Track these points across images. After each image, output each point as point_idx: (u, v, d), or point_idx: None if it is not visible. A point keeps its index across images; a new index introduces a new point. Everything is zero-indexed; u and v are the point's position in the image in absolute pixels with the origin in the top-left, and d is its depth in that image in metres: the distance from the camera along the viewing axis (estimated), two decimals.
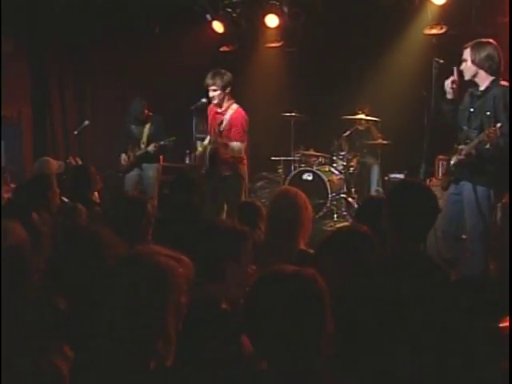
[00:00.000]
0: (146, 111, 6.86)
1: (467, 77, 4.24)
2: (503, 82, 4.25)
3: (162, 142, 6.66)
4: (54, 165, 5.67)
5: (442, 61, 4.39)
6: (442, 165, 5.53)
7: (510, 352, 1.55)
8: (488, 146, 4.00)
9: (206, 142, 5.61)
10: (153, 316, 1.65)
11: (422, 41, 6.85)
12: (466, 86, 4.45)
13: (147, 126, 6.83)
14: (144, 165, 6.85)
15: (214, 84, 5.40)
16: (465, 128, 4.33)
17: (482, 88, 4.25)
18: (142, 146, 6.80)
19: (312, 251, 2.95)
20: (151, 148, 6.69)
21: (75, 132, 7.07)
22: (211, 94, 5.46)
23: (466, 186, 4.32)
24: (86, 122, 6.97)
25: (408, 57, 6.91)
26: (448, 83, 4.29)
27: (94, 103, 8.51)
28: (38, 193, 3.74)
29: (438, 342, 1.70)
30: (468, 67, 4.23)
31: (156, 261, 1.70)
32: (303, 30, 7.59)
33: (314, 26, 7.49)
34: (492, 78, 4.22)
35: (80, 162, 6.73)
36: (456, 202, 4.40)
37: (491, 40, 4.26)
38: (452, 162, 4.38)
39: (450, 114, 4.41)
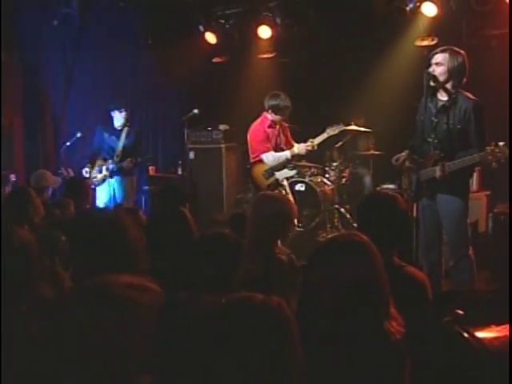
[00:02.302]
0: (124, 120, 6.71)
1: (441, 80, 4.18)
2: (469, 94, 4.22)
3: (139, 159, 6.53)
4: (51, 178, 5.61)
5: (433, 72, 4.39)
6: None
7: (510, 352, 1.54)
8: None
9: None
10: (115, 352, 1.45)
11: (414, 52, 6.88)
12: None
13: (123, 138, 6.66)
14: (117, 177, 6.68)
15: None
16: (429, 140, 4.27)
17: (448, 98, 4.21)
18: (116, 158, 6.63)
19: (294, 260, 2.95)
20: (126, 164, 6.52)
21: (67, 143, 7.06)
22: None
23: (443, 199, 4.29)
24: (79, 134, 6.96)
25: (400, 68, 6.94)
26: None
27: (86, 115, 8.50)
28: (16, 206, 3.70)
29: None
30: (443, 72, 4.16)
31: (116, 293, 1.50)
32: (296, 41, 7.63)
33: (307, 37, 7.53)
34: (457, 88, 4.21)
35: (72, 174, 6.72)
36: (433, 212, 4.34)
37: (462, 51, 4.26)
38: (422, 178, 4.18)
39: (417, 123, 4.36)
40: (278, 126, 5.93)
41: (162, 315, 1.55)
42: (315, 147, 5.92)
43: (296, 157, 6.01)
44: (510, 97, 5.73)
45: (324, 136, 5.88)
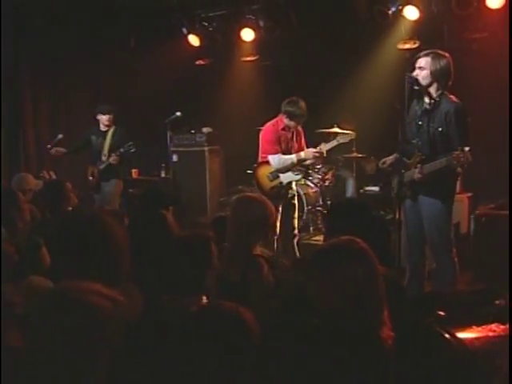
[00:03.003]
0: (108, 123, 6.74)
1: (423, 84, 4.19)
2: (453, 97, 4.24)
3: (121, 150, 6.49)
4: (33, 181, 5.53)
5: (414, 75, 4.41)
6: None
7: (510, 352, 1.55)
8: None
9: None
10: (81, 359, 1.46)
11: (396, 55, 6.93)
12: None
13: (108, 137, 6.70)
14: (102, 182, 6.72)
15: None
16: (414, 142, 4.29)
17: (432, 101, 4.23)
18: (104, 158, 6.67)
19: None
20: (113, 159, 6.52)
21: (49, 146, 6.98)
22: None
23: (425, 201, 4.30)
24: (60, 136, 6.89)
25: (382, 70, 6.98)
26: None
27: (67, 117, 8.43)
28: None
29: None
30: (426, 76, 4.18)
31: (85, 300, 1.51)
32: (279, 44, 7.65)
33: (290, 40, 7.55)
34: (442, 91, 4.22)
35: (54, 176, 6.65)
36: (416, 213, 4.36)
37: (447, 54, 4.28)
38: (405, 179, 4.26)
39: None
40: (292, 130, 5.84)
41: (142, 317, 1.57)
42: (324, 154, 5.89)
43: (303, 161, 5.93)
44: (510, 97, 5.81)
45: (334, 143, 5.80)
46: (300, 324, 1.94)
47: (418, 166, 4.18)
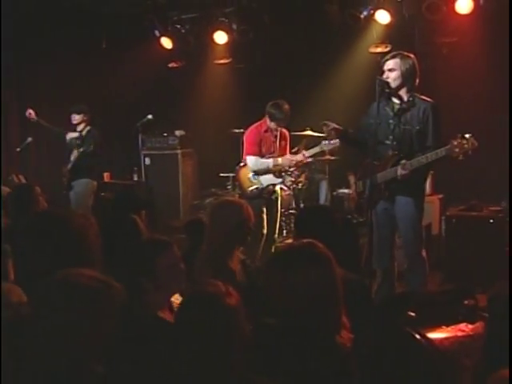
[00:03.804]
0: (80, 121, 6.70)
1: (394, 86, 4.24)
2: (424, 97, 4.31)
3: (81, 149, 6.47)
4: None
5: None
6: None
7: (510, 353, 1.56)
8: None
9: None
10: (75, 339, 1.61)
11: (368, 58, 6.99)
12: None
13: (79, 142, 6.62)
14: (72, 182, 6.64)
15: None
16: (387, 142, 4.32)
17: (405, 101, 4.28)
18: (72, 157, 6.63)
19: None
20: (74, 157, 6.50)
21: (18, 149, 6.87)
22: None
23: (401, 201, 4.32)
24: (29, 139, 6.79)
25: (354, 73, 7.03)
26: None
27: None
28: None
29: None
30: (397, 77, 4.23)
31: (83, 283, 1.66)
32: (252, 47, 7.65)
33: (263, 43, 7.56)
34: (411, 91, 4.28)
35: (23, 180, 6.54)
36: (388, 216, 4.38)
37: (411, 55, 4.34)
38: (379, 181, 4.25)
39: (366, 128, 4.41)
40: (276, 134, 5.80)
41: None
42: (305, 160, 5.88)
43: (280, 167, 5.91)
44: (510, 98, 5.91)
45: (316, 149, 5.78)
46: (257, 324, 1.94)
47: (400, 163, 4.20)
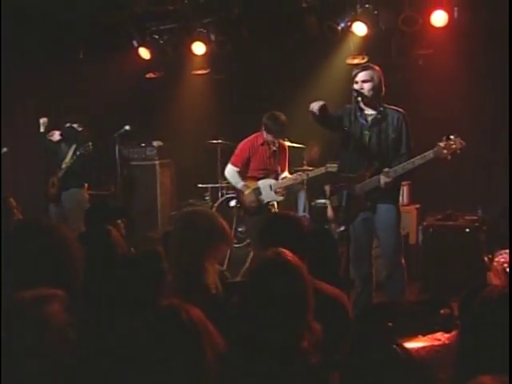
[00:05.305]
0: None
1: (369, 96, 4.28)
2: (393, 107, 4.39)
3: (77, 152, 6.28)
4: None
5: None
6: None
7: (510, 353, 1.56)
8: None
9: None
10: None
11: (345, 70, 7.02)
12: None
13: (73, 147, 6.42)
14: (63, 191, 6.40)
15: None
16: (362, 152, 4.34)
17: (378, 111, 4.35)
18: (64, 165, 6.40)
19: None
20: (68, 160, 6.31)
21: None
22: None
23: (382, 208, 4.35)
24: (4, 149, 6.70)
25: (331, 85, 7.07)
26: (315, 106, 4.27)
27: (12, 129, 8.17)
28: None
29: None
30: (371, 87, 4.29)
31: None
32: (230, 57, 7.67)
33: (241, 54, 7.58)
34: (381, 101, 4.36)
35: None
36: (366, 226, 4.39)
37: (377, 67, 4.41)
38: (358, 192, 4.29)
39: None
40: (273, 147, 5.67)
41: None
42: (299, 180, 5.88)
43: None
44: (510, 101, 6.00)
45: (322, 170, 5.73)
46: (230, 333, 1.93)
47: (383, 171, 4.22)
